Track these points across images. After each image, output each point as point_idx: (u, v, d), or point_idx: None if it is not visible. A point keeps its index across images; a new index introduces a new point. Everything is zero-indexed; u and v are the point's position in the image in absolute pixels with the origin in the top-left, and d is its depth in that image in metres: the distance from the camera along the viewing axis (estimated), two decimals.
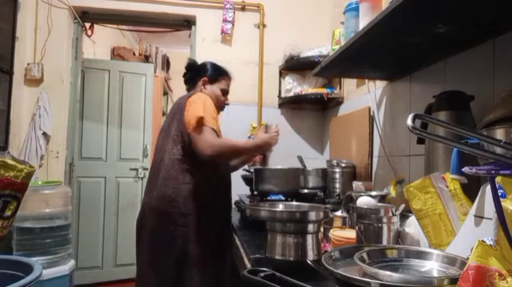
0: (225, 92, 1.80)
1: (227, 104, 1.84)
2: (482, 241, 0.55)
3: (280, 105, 2.90)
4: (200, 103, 1.56)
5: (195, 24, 2.91)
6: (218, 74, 1.79)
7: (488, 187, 0.69)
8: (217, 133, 1.54)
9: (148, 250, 1.57)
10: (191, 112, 1.54)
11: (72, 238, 2.63)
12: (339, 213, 1.34)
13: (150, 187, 1.64)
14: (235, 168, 1.97)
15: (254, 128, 2.85)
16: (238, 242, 1.50)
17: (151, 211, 1.59)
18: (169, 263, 1.52)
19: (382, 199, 1.41)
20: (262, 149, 1.71)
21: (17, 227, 2.24)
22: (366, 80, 2.09)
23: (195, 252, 1.53)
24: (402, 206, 1.04)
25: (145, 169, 3.61)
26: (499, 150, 0.73)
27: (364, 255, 0.76)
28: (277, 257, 0.99)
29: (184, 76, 1.86)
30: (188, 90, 1.83)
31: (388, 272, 0.64)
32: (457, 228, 0.89)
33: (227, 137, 1.74)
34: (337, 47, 1.72)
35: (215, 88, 1.77)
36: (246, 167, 2.29)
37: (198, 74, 1.79)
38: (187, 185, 1.57)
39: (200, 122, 1.50)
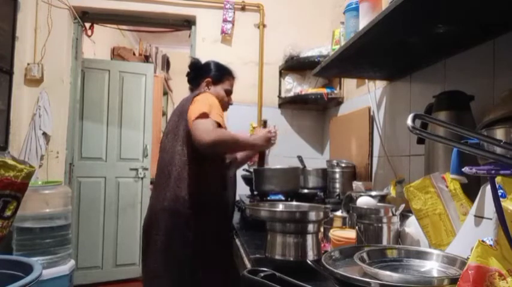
0: (228, 93, 1.78)
1: (231, 104, 1.83)
2: (482, 241, 0.55)
3: (280, 105, 2.90)
4: (206, 102, 1.54)
5: (195, 24, 2.91)
6: (222, 74, 1.76)
7: (488, 187, 0.69)
8: (221, 127, 1.52)
9: (162, 251, 1.55)
10: (194, 109, 1.52)
11: (72, 238, 2.63)
12: (339, 213, 1.34)
13: (160, 187, 1.62)
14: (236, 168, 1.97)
15: (254, 128, 2.85)
16: (238, 242, 1.50)
17: (163, 212, 1.57)
18: (186, 263, 1.52)
19: (382, 199, 1.41)
20: (263, 145, 1.67)
21: (17, 227, 2.24)
22: (366, 80, 2.09)
23: (210, 252, 1.54)
24: (402, 206, 1.04)
25: (145, 169, 3.61)
26: (499, 150, 0.73)
27: (364, 255, 0.76)
28: (277, 257, 0.99)
29: (187, 75, 1.83)
30: (191, 90, 1.81)
31: (388, 272, 0.64)
32: (457, 228, 0.89)
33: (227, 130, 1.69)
34: (337, 47, 1.72)
35: (219, 89, 1.74)
36: (246, 167, 2.29)
37: (201, 74, 1.76)
38: (200, 186, 1.56)
39: (202, 115, 1.47)
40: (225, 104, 1.77)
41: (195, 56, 2.81)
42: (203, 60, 1.85)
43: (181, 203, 1.54)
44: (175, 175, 1.57)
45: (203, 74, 1.76)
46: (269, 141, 1.65)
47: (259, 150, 1.81)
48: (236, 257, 1.55)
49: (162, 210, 1.57)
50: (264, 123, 1.74)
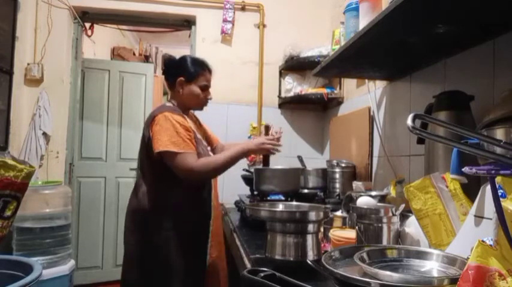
0: (204, 88, 1.69)
1: (210, 99, 1.75)
2: (482, 241, 0.55)
3: (280, 105, 2.90)
4: (163, 129, 1.51)
5: (195, 24, 2.91)
6: (195, 71, 1.68)
7: (488, 187, 0.69)
8: (195, 152, 1.53)
9: (135, 260, 1.60)
10: (157, 137, 1.51)
11: (72, 238, 2.63)
12: (339, 213, 1.34)
13: (131, 197, 1.68)
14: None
15: (254, 128, 2.85)
16: (238, 242, 1.50)
17: (133, 220, 1.63)
18: (155, 272, 1.55)
19: (382, 199, 1.41)
20: (255, 151, 1.64)
21: (17, 227, 2.24)
22: (366, 80, 2.09)
23: (178, 261, 1.56)
24: (402, 206, 1.04)
25: None
26: (499, 150, 0.73)
27: (364, 255, 0.76)
28: (277, 257, 0.99)
29: (163, 74, 1.78)
30: (169, 87, 1.75)
31: (388, 272, 0.64)
32: (457, 228, 0.89)
33: (209, 156, 1.65)
34: (337, 47, 1.72)
35: (193, 87, 1.67)
36: (246, 167, 2.29)
37: (176, 72, 1.69)
38: (162, 197, 1.59)
39: (171, 154, 1.48)
40: (202, 101, 1.71)
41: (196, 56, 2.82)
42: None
43: (145, 212, 1.58)
44: (141, 186, 1.62)
45: (177, 72, 1.69)
46: (262, 147, 1.61)
47: (252, 155, 1.79)
48: (236, 257, 1.55)
49: (131, 218, 1.64)
50: (266, 129, 1.72)
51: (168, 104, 1.72)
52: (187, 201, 1.62)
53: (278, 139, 1.66)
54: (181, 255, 1.57)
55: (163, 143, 1.48)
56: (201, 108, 1.76)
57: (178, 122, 1.54)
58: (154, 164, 1.58)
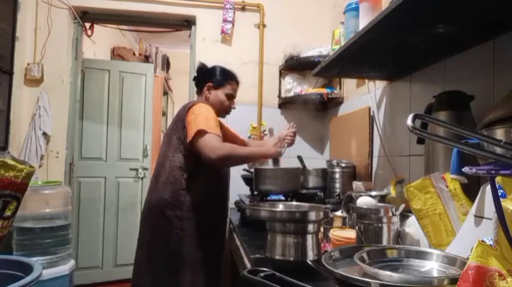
0: (230, 97, 1.82)
1: (233, 108, 1.86)
2: (482, 241, 0.55)
3: (280, 105, 2.90)
4: (200, 114, 1.61)
5: (195, 24, 2.91)
6: (223, 79, 1.80)
7: (488, 187, 0.69)
8: (221, 139, 1.60)
9: (147, 248, 1.66)
10: (192, 123, 1.59)
11: (72, 238, 2.63)
12: (339, 213, 1.34)
13: (151, 188, 1.74)
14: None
15: (254, 128, 2.85)
16: (238, 242, 1.50)
17: (150, 211, 1.69)
18: (165, 262, 1.60)
19: (382, 199, 1.41)
20: (273, 154, 1.73)
21: (17, 227, 2.24)
22: (366, 80, 2.09)
23: (189, 253, 1.60)
24: (402, 206, 1.04)
25: (145, 169, 3.61)
26: (499, 150, 0.73)
27: (364, 255, 0.76)
28: (277, 257, 0.99)
29: (194, 79, 1.90)
30: (197, 93, 1.88)
31: (388, 272, 0.64)
32: (457, 228, 0.89)
33: (235, 144, 1.77)
34: (337, 47, 1.73)
35: (219, 93, 1.79)
36: (246, 166, 2.29)
37: (205, 78, 1.82)
38: (184, 191, 1.64)
39: (202, 132, 1.55)
40: (226, 108, 1.82)
41: (195, 56, 2.83)
42: (204, 61, 1.90)
43: (165, 205, 1.63)
44: (163, 178, 1.67)
45: (206, 78, 1.81)
46: (278, 152, 1.71)
47: (270, 158, 1.85)
48: (236, 257, 1.55)
49: (149, 209, 1.70)
50: (270, 132, 1.81)
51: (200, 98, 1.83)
52: (207, 193, 1.69)
53: (294, 134, 1.80)
54: (193, 247, 1.61)
55: (196, 126, 1.56)
56: (223, 116, 1.85)
57: (209, 111, 1.66)
58: (180, 155, 1.66)
